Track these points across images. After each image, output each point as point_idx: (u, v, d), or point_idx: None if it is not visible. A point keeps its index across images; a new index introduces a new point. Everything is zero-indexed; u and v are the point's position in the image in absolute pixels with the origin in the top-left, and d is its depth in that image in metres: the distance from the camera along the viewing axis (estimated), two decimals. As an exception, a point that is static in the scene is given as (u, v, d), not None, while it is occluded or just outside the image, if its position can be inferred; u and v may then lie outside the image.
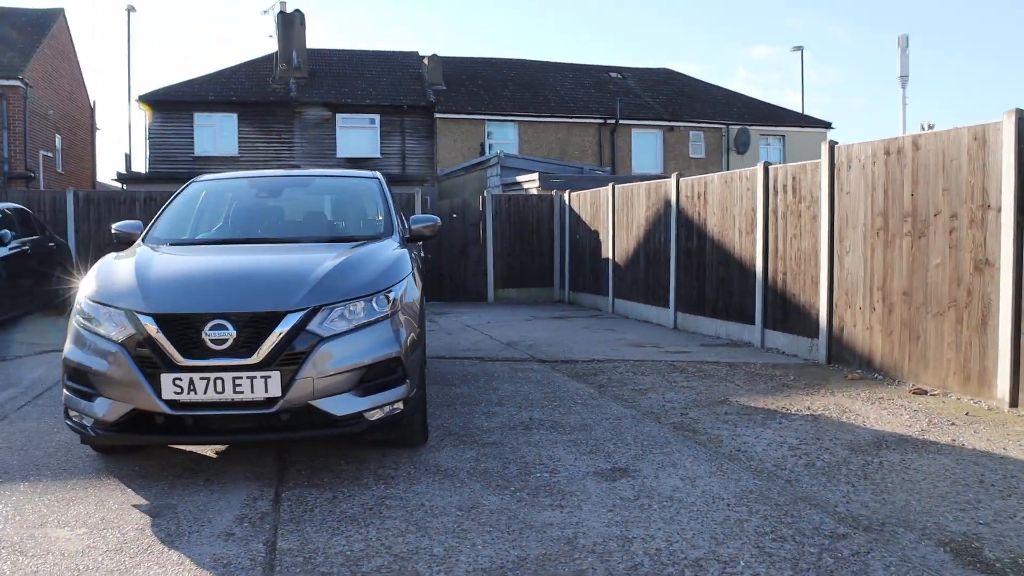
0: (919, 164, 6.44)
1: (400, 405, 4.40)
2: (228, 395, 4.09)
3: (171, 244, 5.35)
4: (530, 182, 16.56)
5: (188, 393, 4.08)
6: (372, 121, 26.44)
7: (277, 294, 4.27)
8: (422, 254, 7.62)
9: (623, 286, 12.25)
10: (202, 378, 4.07)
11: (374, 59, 29.12)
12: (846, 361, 7.33)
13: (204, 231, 5.63)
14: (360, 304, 4.37)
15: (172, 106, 25.51)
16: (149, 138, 26.02)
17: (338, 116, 26.21)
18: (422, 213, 14.85)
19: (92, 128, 31.20)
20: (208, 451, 4.84)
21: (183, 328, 4.12)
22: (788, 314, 8.20)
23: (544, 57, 43.52)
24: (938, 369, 6.26)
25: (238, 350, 4.09)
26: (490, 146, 26.01)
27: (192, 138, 25.90)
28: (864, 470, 4.33)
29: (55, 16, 26.29)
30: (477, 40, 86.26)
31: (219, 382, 4.08)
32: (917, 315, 6.46)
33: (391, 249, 5.10)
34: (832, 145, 7.47)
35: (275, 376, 4.09)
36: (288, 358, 4.11)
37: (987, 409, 5.70)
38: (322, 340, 4.16)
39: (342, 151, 26.28)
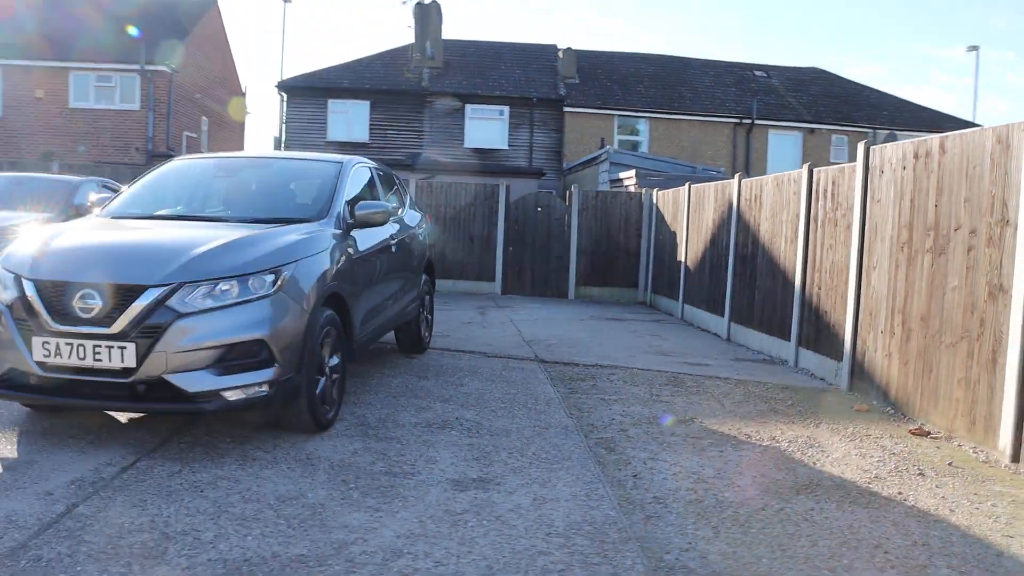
0: (944, 170, 5.65)
1: (265, 388, 4.33)
2: (89, 362, 4.20)
3: (114, 217, 5.53)
4: (629, 179, 16.09)
5: (55, 357, 4.22)
6: (501, 113, 26.58)
7: (145, 269, 4.34)
8: (423, 239, 7.54)
9: (691, 291, 11.65)
10: (67, 343, 4.20)
11: (509, 51, 29.29)
12: (864, 390, 6.58)
13: (152, 207, 5.75)
14: (233, 283, 4.35)
15: (308, 92, 26.64)
16: (285, 123, 27.37)
17: (468, 107, 26.52)
18: (504, 205, 14.75)
19: (243, 112, 33.24)
20: (122, 417, 4.96)
21: (58, 295, 4.29)
22: (820, 332, 7.47)
23: (691, 55, 42.08)
24: (947, 409, 5.48)
25: (102, 320, 4.21)
26: (618, 142, 25.54)
27: (325, 124, 26.95)
28: (750, 516, 3.80)
29: (207, 6, 28.17)
30: (634, 37, 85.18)
31: (81, 348, 4.19)
32: (932, 344, 5.69)
33: (301, 232, 5.04)
34: (868, 147, 6.70)
35: (130, 347, 4.15)
36: (145, 331, 4.17)
37: (982, 460, 4.91)
38: (180, 316, 4.20)
39: (470, 141, 26.60)
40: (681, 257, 12.13)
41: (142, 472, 4.05)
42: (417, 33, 27.54)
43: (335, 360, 5.14)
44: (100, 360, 4.17)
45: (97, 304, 4.20)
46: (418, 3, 27.42)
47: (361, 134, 26.93)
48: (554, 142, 26.33)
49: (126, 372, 4.17)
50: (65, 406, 4.39)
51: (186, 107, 25.71)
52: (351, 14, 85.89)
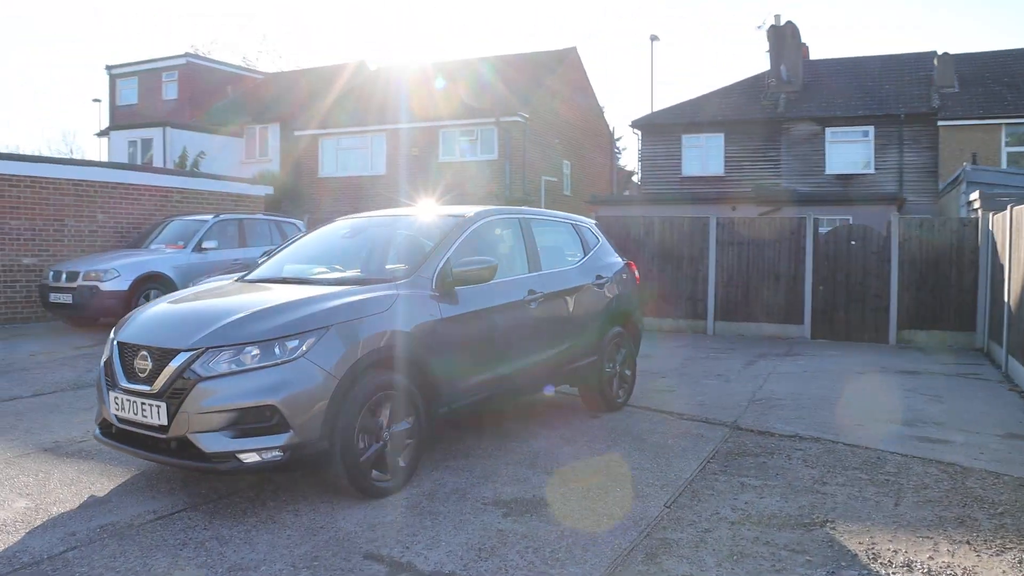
0: None
1: (278, 453, 4.37)
2: (139, 417, 4.63)
3: (247, 280, 5.99)
4: (975, 200, 13.50)
5: (122, 410, 4.71)
6: (865, 134, 24.14)
7: (183, 333, 4.67)
8: (615, 290, 7.16)
9: (1015, 340, 9.31)
10: (128, 399, 4.69)
11: (875, 65, 26.55)
12: None
13: (280, 269, 6.11)
14: (255, 349, 4.49)
15: (661, 129, 26.70)
16: (640, 160, 27.70)
17: (827, 130, 24.54)
18: (811, 239, 13.25)
19: (611, 153, 34.36)
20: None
21: (128, 355, 4.83)
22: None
23: None
24: None
25: (148, 379, 4.61)
26: (1006, 156, 21.65)
27: (680, 159, 26.75)
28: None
29: (566, 55, 29.71)
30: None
31: (135, 404, 4.65)
32: None
33: (358, 295, 5.02)
34: None
35: (163, 406, 4.49)
36: (175, 392, 4.48)
37: None
38: (201, 379, 4.44)
39: (831, 167, 24.58)
40: (1006, 296, 9.78)
41: (166, 523, 4.32)
42: (772, 57, 26.24)
43: (404, 425, 4.98)
44: (146, 416, 4.58)
45: (148, 365, 4.64)
46: (772, 26, 26.08)
47: (716, 168, 26.27)
48: (927, 161, 23.17)
49: (162, 429, 4.51)
50: (134, 455, 4.81)
51: (545, 153, 27.30)
52: (719, 45, 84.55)
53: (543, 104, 27.22)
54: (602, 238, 7.72)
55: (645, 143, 27.62)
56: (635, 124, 27.84)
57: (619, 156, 41.99)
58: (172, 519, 4.43)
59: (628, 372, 7.58)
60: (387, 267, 5.86)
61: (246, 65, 43.47)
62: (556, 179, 28.56)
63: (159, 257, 12.96)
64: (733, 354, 11.35)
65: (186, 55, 33.65)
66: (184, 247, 13.37)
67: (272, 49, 52.62)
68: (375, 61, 39.93)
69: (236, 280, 6.15)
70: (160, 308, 5.29)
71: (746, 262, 13.82)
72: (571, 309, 6.74)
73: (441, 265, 5.55)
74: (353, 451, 4.66)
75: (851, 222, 15.89)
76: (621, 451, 5.95)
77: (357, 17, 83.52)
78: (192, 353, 4.49)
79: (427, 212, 6.50)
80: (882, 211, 19.68)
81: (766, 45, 26.77)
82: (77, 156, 47.07)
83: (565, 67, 29.63)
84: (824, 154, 24.71)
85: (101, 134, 32.34)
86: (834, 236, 13.35)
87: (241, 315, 4.71)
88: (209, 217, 14.21)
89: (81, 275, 12.14)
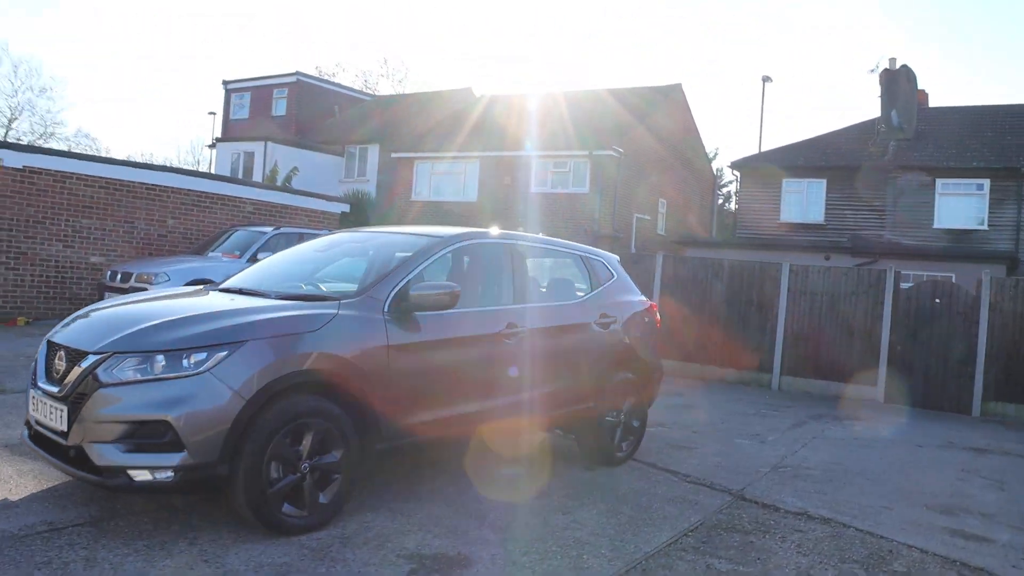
0: None
1: (170, 473, 4.01)
2: (47, 420, 4.40)
3: (218, 289, 5.67)
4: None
5: (36, 411, 4.52)
6: (980, 187, 22.47)
7: (97, 336, 4.43)
8: (628, 332, 6.53)
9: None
10: (42, 400, 4.53)
11: (995, 114, 24.78)
12: None
13: (253, 280, 5.79)
14: (162, 359, 4.16)
15: (761, 172, 25.64)
16: (738, 204, 26.64)
17: (938, 181, 22.98)
18: (891, 294, 12.13)
19: (712, 194, 33.29)
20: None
21: (50, 356, 4.55)
22: None
23: None
24: None
25: (59, 381, 4.33)
26: None
27: (779, 204, 25.59)
28: None
29: (670, 91, 29.03)
30: None
31: (45, 406, 4.42)
32: None
33: (281, 312, 4.66)
34: None
35: (64, 411, 4.25)
36: (76, 397, 4.24)
37: None
38: (102, 386, 4.17)
39: (940, 221, 22.97)
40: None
41: (49, 537, 4.03)
42: (883, 102, 24.85)
43: (330, 457, 4.55)
44: (52, 420, 4.33)
45: (62, 366, 4.39)
46: (885, 69, 24.70)
47: (816, 215, 25.01)
48: (1051, 220, 21.26)
49: (63, 435, 4.23)
50: (45, 461, 4.51)
51: (639, 190, 26.58)
52: (832, 89, 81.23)
53: (642, 140, 26.56)
54: (620, 274, 7.09)
55: (744, 185, 26.59)
56: (735, 165, 26.87)
57: (722, 198, 40.72)
58: (60, 533, 4.12)
59: (636, 423, 6.89)
60: (340, 286, 5.41)
61: (360, 87, 44.64)
62: (649, 217, 27.76)
63: (212, 265, 13.01)
64: (785, 413, 10.39)
65: (296, 73, 34.65)
66: (240, 257, 13.40)
67: (392, 73, 53.93)
68: (482, 89, 40.45)
69: (215, 289, 5.85)
70: (101, 309, 5.04)
71: (818, 314, 12.79)
72: (563, 348, 6.16)
73: (398, 287, 5.10)
74: (260, 481, 4.25)
75: (953, 280, 14.58)
76: (591, 513, 5.30)
77: (473, 45, 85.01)
78: (98, 357, 4.20)
79: (408, 232, 6.05)
80: (993, 272, 18.14)
81: (878, 90, 25.37)
82: (197, 166, 49.27)
83: (669, 103, 28.91)
84: (933, 207, 23.11)
85: (211, 146, 33.62)
86: (917, 292, 12.19)
87: (156, 322, 4.40)
88: (269, 229, 14.25)
89: (134, 276, 12.30)
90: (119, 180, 14.22)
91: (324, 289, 5.47)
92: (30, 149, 14.09)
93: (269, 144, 29.42)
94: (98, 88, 75.39)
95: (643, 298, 7.29)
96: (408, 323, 5.05)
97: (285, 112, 34.86)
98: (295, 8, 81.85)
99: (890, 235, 23.25)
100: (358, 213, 25.75)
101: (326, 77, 44.00)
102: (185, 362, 4.14)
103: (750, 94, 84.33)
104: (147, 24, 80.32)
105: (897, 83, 24.50)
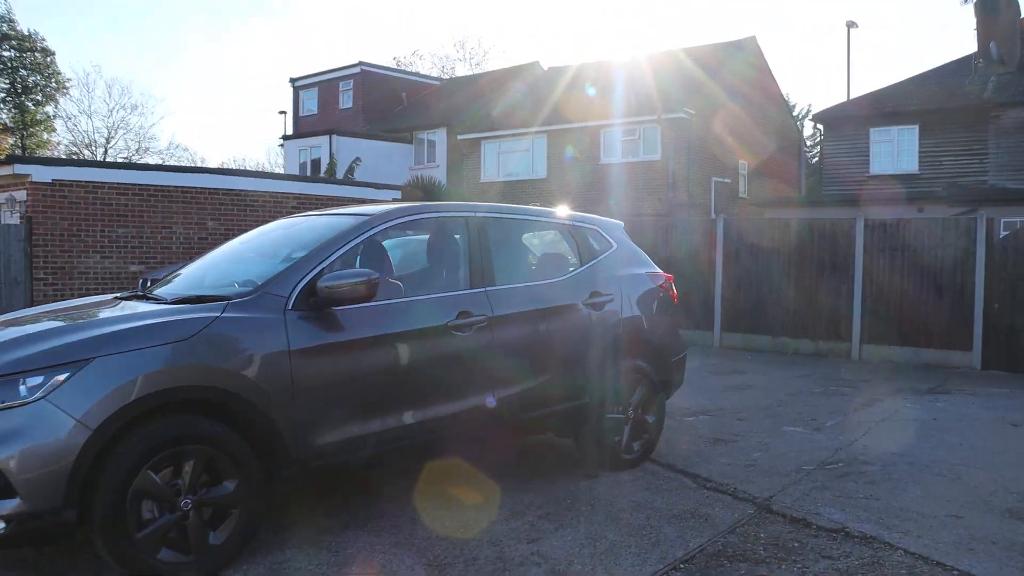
0: None
1: (2, 524, 3.32)
2: None
3: (143, 295, 4.90)
4: None
5: None
6: (1099, 119, 19.93)
7: None
8: (628, 312, 5.48)
9: None
10: None
11: (1118, 34, 21.89)
12: None
13: (182, 284, 5.01)
14: None
15: (845, 122, 23.62)
16: (823, 159, 24.69)
17: (1049, 116, 20.51)
18: (984, 245, 10.49)
19: (799, 151, 31.17)
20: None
21: None
22: None
23: None
24: None
25: None
26: None
27: (867, 156, 23.54)
28: None
29: (743, 45, 27.14)
30: None
31: None
32: None
33: (138, 322, 3.86)
34: None
35: None
36: None
37: None
38: None
39: (1053, 161, 20.55)
40: None
41: None
42: (980, 35, 22.47)
43: (222, 489, 3.78)
44: None
45: None
46: (979, -3, 22.26)
47: (909, 164, 22.87)
48: None
49: None
50: None
51: (716, 152, 24.95)
52: (922, 29, 75.22)
53: (716, 99, 24.86)
54: (621, 244, 5.98)
55: (828, 139, 24.60)
56: (817, 118, 24.92)
57: (809, 155, 38.20)
58: None
59: (651, 418, 5.80)
60: (238, 284, 4.51)
61: (437, 74, 44.04)
62: (729, 180, 26.07)
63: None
64: (859, 389, 9.01)
65: (360, 64, 34.24)
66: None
67: (468, 57, 53.13)
68: (549, 61, 38.95)
69: (121, 295, 5.09)
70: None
71: (901, 273, 11.23)
72: (539, 337, 5.13)
73: (306, 280, 4.20)
74: (123, 524, 3.49)
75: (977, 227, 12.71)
76: (565, 539, 4.29)
77: (541, 19, 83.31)
78: None
79: (339, 213, 5.11)
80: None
81: (973, 22, 22.94)
82: (274, 167, 49.75)
83: (743, 58, 27.02)
84: (1045, 145, 20.71)
85: (282, 145, 33.63)
86: (1015, 241, 10.50)
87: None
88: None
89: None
90: (153, 186, 13.84)
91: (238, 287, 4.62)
92: (58, 162, 13.88)
93: (334, 137, 29.09)
94: (185, 100, 77.55)
95: (655, 270, 6.16)
96: (323, 322, 4.18)
97: (352, 104, 34.56)
98: (365, 2, 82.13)
99: (993, 180, 20.99)
100: (425, 200, 25.15)
101: (393, 65, 43.62)
102: (21, 388, 3.38)
103: (834, 44, 79.46)
104: (221, 32, 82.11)
105: (995, 11, 22.04)
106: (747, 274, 12.48)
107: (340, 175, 25.72)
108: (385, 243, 5.20)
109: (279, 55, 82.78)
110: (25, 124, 49.39)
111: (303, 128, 34.94)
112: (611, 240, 5.91)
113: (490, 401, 4.82)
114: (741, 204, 25.88)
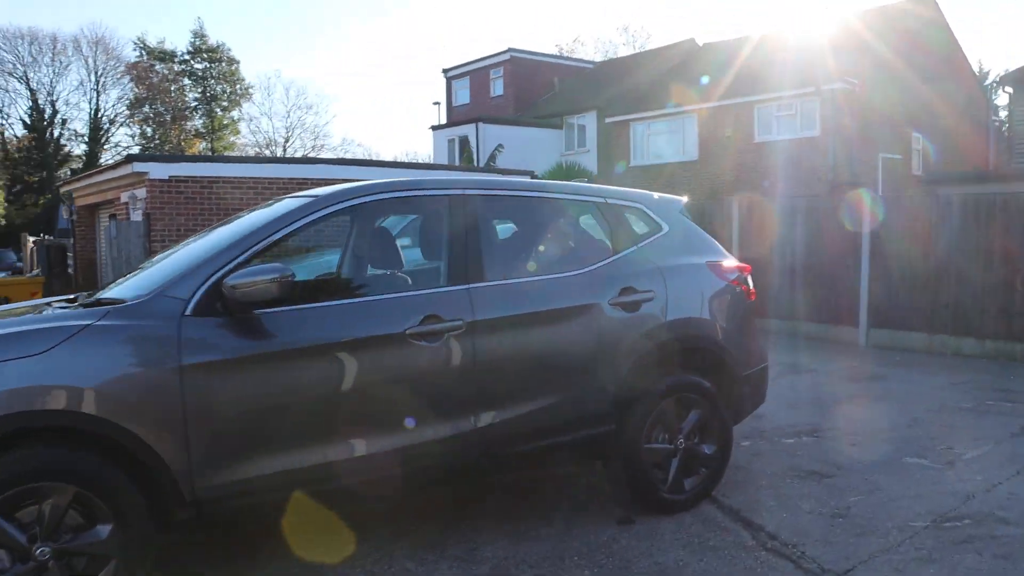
0: None
1: None
2: None
3: (60, 300, 4.28)
4: None
5: None
6: None
7: None
8: (643, 312, 4.32)
9: None
10: None
11: None
12: None
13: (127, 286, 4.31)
14: None
15: (1039, 83, 20.33)
16: (1012, 127, 21.45)
17: None
18: None
19: (987, 119, 27.49)
20: None
21: None
22: None
23: None
24: None
25: None
26: None
27: (1069, 122, 20.21)
28: None
29: (919, 1, 24.00)
30: None
31: None
32: None
33: (10, 327, 3.16)
34: None
35: None
36: None
37: None
38: None
39: None
40: None
41: None
42: None
43: (95, 535, 3.05)
44: None
45: None
46: None
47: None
48: None
49: None
50: None
51: (883, 125, 22.27)
52: None
53: (882, 65, 22.20)
54: (675, 225, 4.71)
55: (1017, 103, 21.31)
56: (1006, 80, 21.64)
57: (998, 122, 33.71)
58: None
59: (710, 450, 4.52)
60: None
61: (600, 59, 42.78)
62: (900, 156, 23.26)
63: (334, 258, 11.95)
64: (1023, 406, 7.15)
65: (509, 51, 33.57)
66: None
67: (632, 40, 51.28)
68: (704, 38, 36.40)
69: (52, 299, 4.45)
70: None
71: (985, 258, 9.03)
72: (546, 346, 4.02)
73: (213, 279, 3.34)
74: None
75: None
76: None
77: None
78: None
79: (291, 196, 4.18)
80: None
81: None
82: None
83: (918, 18, 24.03)
84: None
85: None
86: None
87: None
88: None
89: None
90: (267, 178, 13.61)
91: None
92: (173, 158, 14.00)
93: (480, 125, 28.63)
94: (353, 96, 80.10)
95: (722, 259, 4.84)
96: (235, 331, 3.32)
97: (503, 91, 34.00)
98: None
99: None
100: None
101: (555, 52, 42.70)
102: None
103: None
104: (380, 24, 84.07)
105: None
106: (899, 261, 10.56)
107: (482, 163, 25.16)
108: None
109: (437, 45, 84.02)
110: (213, 129, 52.73)
111: (456, 118, 34.77)
112: (660, 222, 4.65)
113: (469, 429, 3.78)
114: (914, 182, 22.99)
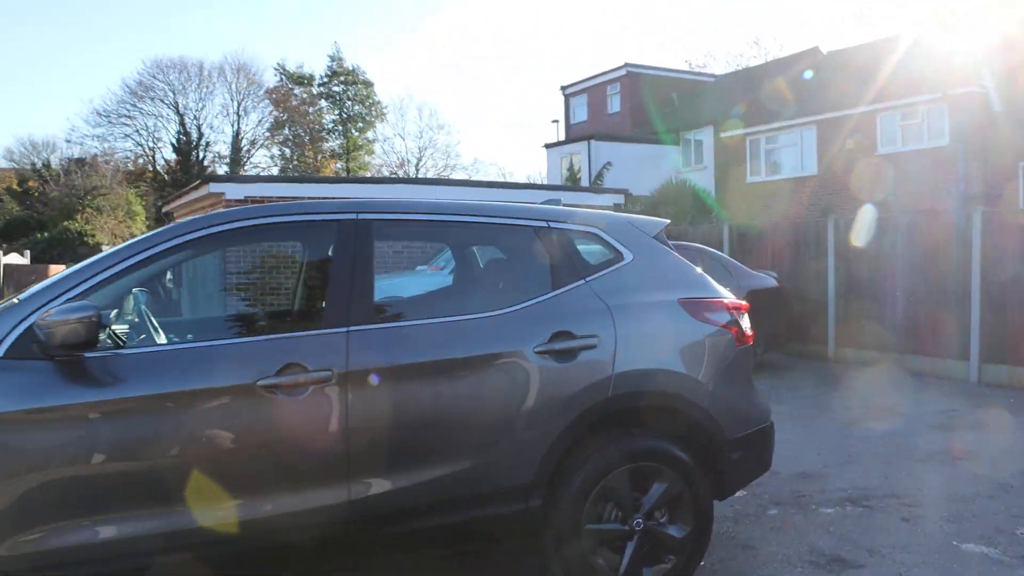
0: None
1: None
2: None
3: None
4: None
5: None
6: None
7: None
8: (580, 361, 3.49)
9: None
10: None
11: None
12: None
13: None
14: None
15: None
16: None
17: None
18: None
19: None
20: None
21: None
22: None
23: None
24: None
25: None
26: None
27: None
28: None
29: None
30: None
31: None
32: None
33: None
34: None
35: None
36: None
37: None
38: None
39: None
40: None
41: None
42: None
43: None
44: None
45: None
46: None
47: None
48: None
49: None
50: None
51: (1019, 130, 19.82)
52: None
53: (1019, 66, 19.77)
54: (640, 254, 3.76)
55: None
56: None
57: None
58: None
59: (680, 532, 3.55)
60: None
61: (697, 68, 41.04)
62: (1046, 165, 20.63)
63: (411, 279, 11.45)
64: None
65: (626, 66, 32.46)
66: (443, 269, 11.68)
67: (764, 54, 48.77)
68: (830, 45, 33.73)
69: None
70: None
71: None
72: (445, 403, 3.22)
73: (33, 318, 2.79)
74: None
75: None
76: None
77: (836, 5, 74.95)
78: None
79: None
80: None
81: None
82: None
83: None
84: None
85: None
86: None
87: None
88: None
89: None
90: (345, 199, 13.41)
91: None
92: (249, 179, 13.97)
93: (592, 142, 27.72)
94: (481, 116, 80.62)
95: (703, 294, 3.82)
96: (56, 377, 2.80)
97: (619, 108, 32.94)
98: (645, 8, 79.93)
99: None
100: (676, 205, 22.81)
101: (684, 67, 41.21)
102: None
103: None
104: (509, 50, 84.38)
105: None
106: (1018, 285, 8.95)
107: (589, 181, 24.30)
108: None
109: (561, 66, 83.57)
110: (348, 149, 54.35)
111: (573, 135, 34.03)
112: (621, 249, 3.73)
113: (341, 500, 3.04)
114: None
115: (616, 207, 16.50)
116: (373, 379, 3.11)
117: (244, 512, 2.94)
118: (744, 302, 4.00)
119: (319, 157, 52.98)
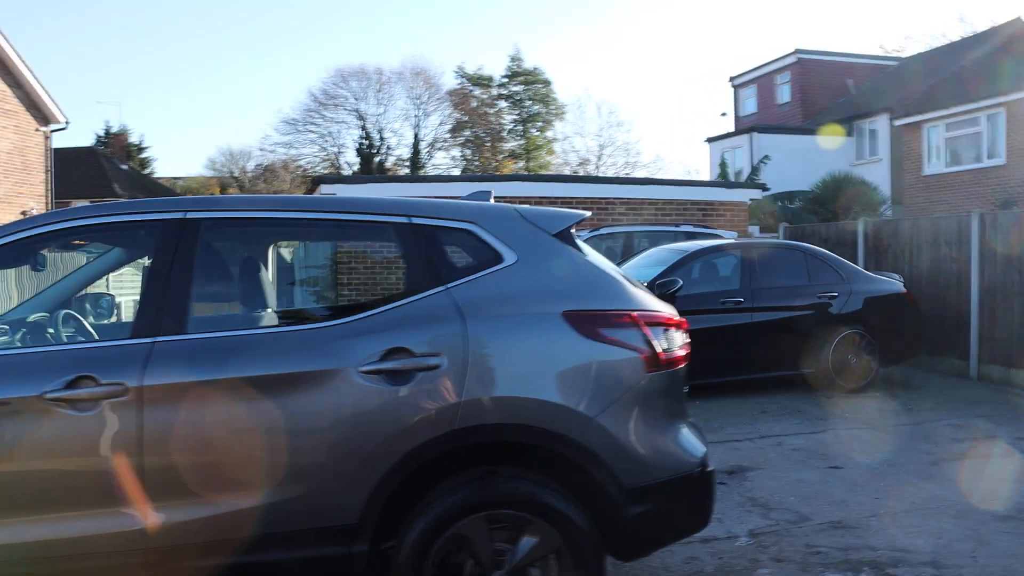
0: None
1: None
2: None
3: None
4: None
5: None
6: None
7: None
8: (421, 384, 3.01)
9: None
10: None
11: None
12: None
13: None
14: None
15: None
16: None
17: None
18: None
19: None
20: None
21: None
22: None
23: None
24: None
25: None
26: None
27: None
28: None
29: None
30: None
31: None
32: None
33: None
34: None
35: None
36: None
37: None
38: None
39: None
40: None
41: None
42: None
43: None
44: None
45: None
46: None
47: None
48: None
49: None
50: None
51: None
52: None
53: None
54: (527, 254, 3.07)
55: None
56: None
57: None
58: None
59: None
60: None
61: (878, 51, 37.29)
62: None
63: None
64: None
65: (796, 52, 30.06)
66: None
67: (973, 32, 43.67)
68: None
69: None
70: None
71: None
72: (257, 425, 2.79)
73: None
74: None
75: None
76: None
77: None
78: None
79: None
80: None
81: None
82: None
83: None
84: None
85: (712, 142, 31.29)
86: None
87: None
88: (583, 232, 11.65)
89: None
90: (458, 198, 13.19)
91: None
92: (359, 179, 14.14)
93: (755, 135, 26.01)
94: (658, 112, 78.09)
95: (606, 304, 3.05)
96: None
97: (789, 98, 30.65)
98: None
99: None
100: (840, 200, 20.77)
101: (880, 53, 37.88)
102: None
103: None
104: (679, 45, 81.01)
105: None
106: None
107: (740, 177, 22.74)
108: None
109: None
110: (527, 149, 54.60)
111: (741, 128, 32.13)
112: (501, 250, 3.07)
113: (130, 528, 2.68)
114: None
115: (753, 203, 15.22)
116: (170, 396, 2.72)
117: (18, 534, 2.64)
118: (678, 317, 3.20)
119: (500, 158, 53.59)
